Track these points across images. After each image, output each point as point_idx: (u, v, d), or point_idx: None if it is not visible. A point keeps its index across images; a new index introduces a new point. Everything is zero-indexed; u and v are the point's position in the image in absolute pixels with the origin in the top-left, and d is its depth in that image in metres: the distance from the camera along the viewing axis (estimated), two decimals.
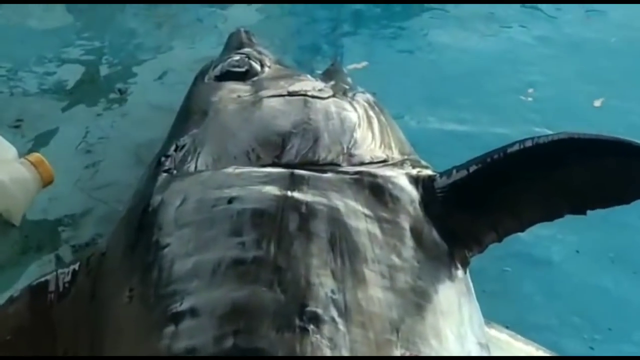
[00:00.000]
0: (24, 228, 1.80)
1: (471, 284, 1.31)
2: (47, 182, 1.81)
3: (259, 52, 1.90)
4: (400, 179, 1.31)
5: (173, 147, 1.47)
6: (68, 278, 1.34)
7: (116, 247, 1.31)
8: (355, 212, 1.22)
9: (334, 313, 1.07)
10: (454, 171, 1.32)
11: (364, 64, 2.38)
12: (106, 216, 1.81)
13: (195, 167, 1.38)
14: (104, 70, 2.32)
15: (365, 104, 1.59)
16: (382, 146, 1.44)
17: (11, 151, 1.83)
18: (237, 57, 1.83)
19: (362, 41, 2.52)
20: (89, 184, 1.92)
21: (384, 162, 1.38)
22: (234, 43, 2.03)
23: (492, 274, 1.62)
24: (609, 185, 1.27)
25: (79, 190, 1.90)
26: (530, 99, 2.28)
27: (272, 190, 1.24)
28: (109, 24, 2.54)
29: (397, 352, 1.08)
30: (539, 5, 2.73)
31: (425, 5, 2.74)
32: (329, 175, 1.29)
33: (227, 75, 1.76)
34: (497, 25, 2.64)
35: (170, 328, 1.08)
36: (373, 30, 2.58)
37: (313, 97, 1.53)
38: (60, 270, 1.35)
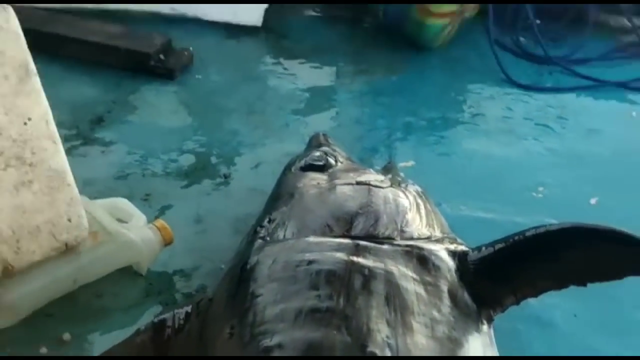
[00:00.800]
0: (148, 277, 1.83)
1: (494, 338, 1.31)
2: (167, 243, 1.84)
3: (334, 150, 1.93)
4: (441, 252, 1.32)
5: (267, 220, 1.50)
6: (182, 317, 1.35)
7: (221, 296, 1.33)
8: (406, 276, 1.23)
9: (388, 354, 1.08)
10: (483, 248, 1.33)
11: (412, 163, 2.39)
12: (211, 272, 1.84)
13: (284, 235, 1.40)
14: (213, 160, 2.35)
15: (415, 193, 1.60)
16: (427, 226, 1.46)
17: (142, 218, 1.87)
18: (317, 153, 1.86)
19: (411, 145, 2.53)
20: (199, 246, 1.95)
21: (428, 238, 1.39)
22: (314, 142, 2.06)
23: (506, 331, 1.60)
24: (604, 264, 1.27)
25: (191, 250, 1.92)
26: (540, 195, 2.28)
27: (342, 256, 1.25)
28: (218, 125, 2.58)
29: None
30: (549, 124, 2.73)
31: (460, 119, 2.75)
32: (386, 247, 1.30)
33: (309, 167, 1.78)
34: (515, 137, 2.65)
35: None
36: (419, 137, 2.60)
37: (375, 186, 1.55)
38: (176, 310, 1.37)
